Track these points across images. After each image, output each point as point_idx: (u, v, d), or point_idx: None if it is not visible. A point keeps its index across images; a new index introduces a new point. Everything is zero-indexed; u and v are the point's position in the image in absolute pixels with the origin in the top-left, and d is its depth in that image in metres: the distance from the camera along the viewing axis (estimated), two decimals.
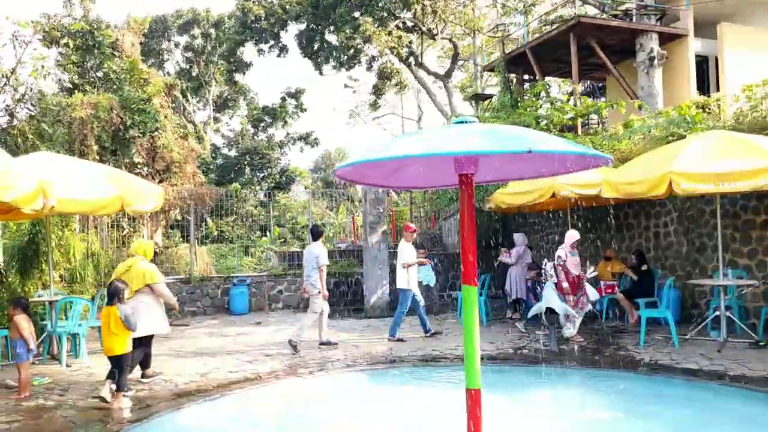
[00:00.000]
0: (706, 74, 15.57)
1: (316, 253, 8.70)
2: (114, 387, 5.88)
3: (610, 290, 10.39)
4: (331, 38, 21.08)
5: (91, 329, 8.93)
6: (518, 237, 11.03)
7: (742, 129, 9.15)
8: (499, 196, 10.60)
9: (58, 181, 6.45)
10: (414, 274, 9.35)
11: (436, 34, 21.63)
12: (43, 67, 10.34)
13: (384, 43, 16.69)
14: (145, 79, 14.35)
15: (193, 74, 35.40)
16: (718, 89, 14.97)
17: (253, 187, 34.12)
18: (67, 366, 7.72)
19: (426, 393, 6.58)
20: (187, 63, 36.25)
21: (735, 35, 14.73)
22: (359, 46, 17.46)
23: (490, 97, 27.75)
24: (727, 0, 14.58)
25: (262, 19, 20.07)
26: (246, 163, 36.73)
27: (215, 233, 24.81)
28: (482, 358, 7.76)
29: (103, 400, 5.77)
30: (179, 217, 16.21)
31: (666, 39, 14.10)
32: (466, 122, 3.76)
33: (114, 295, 5.84)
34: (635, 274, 9.83)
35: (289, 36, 23.72)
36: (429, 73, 23.47)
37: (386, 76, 17.68)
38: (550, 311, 8.15)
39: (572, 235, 8.60)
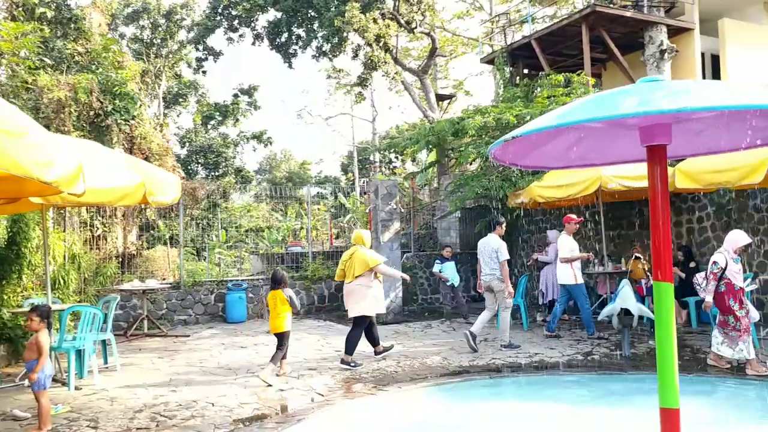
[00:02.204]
0: (702, 70, 15.52)
1: (495, 246, 7.96)
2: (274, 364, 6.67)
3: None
4: (304, 27, 19.96)
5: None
6: (553, 234, 10.37)
7: None
8: (535, 189, 9.91)
9: None
10: (578, 269, 8.68)
11: (415, 27, 20.87)
12: (16, 38, 8.80)
13: (372, 31, 15.77)
14: (119, 62, 12.85)
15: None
16: None
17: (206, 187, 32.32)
18: (77, 389, 6.40)
19: (532, 409, 5.73)
20: (134, 56, 33.99)
21: (736, 31, 14.73)
22: (345, 35, 16.45)
23: (450, 97, 27.33)
24: None
25: (237, 4, 18.71)
26: (200, 162, 34.88)
27: (167, 236, 23.18)
28: (546, 366, 7.10)
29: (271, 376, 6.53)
30: (154, 217, 14.74)
31: (673, 32, 13.90)
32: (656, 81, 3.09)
33: (279, 281, 6.89)
34: (682, 272, 9.36)
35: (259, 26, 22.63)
36: (404, 68, 22.68)
37: (373, 66, 16.76)
38: (625, 313, 7.47)
39: (737, 238, 6.42)
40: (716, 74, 15.05)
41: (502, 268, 7.84)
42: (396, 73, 17.75)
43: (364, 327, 7.44)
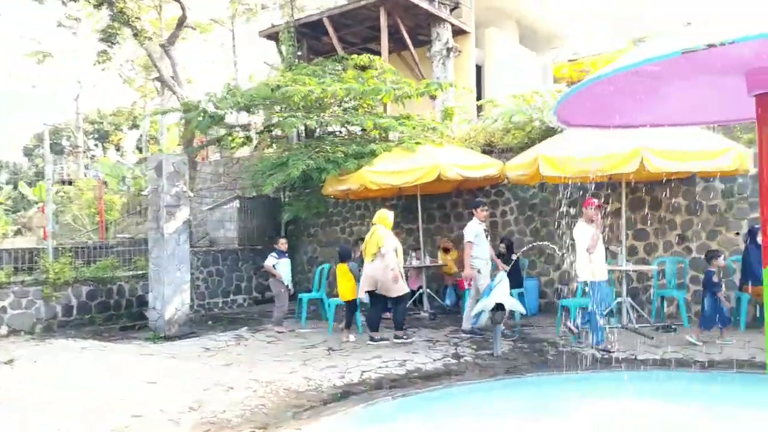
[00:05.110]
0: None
1: (467, 229, 7.78)
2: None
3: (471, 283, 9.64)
4: None
5: None
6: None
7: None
8: (366, 175, 8.78)
9: None
10: (598, 260, 6.87)
11: None
12: None
13: None
14: None
15: None
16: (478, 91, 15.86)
17: None
18: None
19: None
20: None
21: (498, 42, 15.91)
22: None
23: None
24: (491, 2, 15.63)
25: None
26: None
27: None
28: (431, 375, 6.07)
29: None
30: None
31: (454, 33, 14.24)
32: None
33: (346, 255, 8.04)
34: (505, 264, 9.29)
35: None
36: (145, 37, 19.44)
37: (125, 20, 13.45)
38: (498, 308, 6.82)
39: None
40: (479, 81, 16.04)
41: (465, 249, 7.68)
42: (153, 33, 14.75)
43: (407, 301, 7.82)
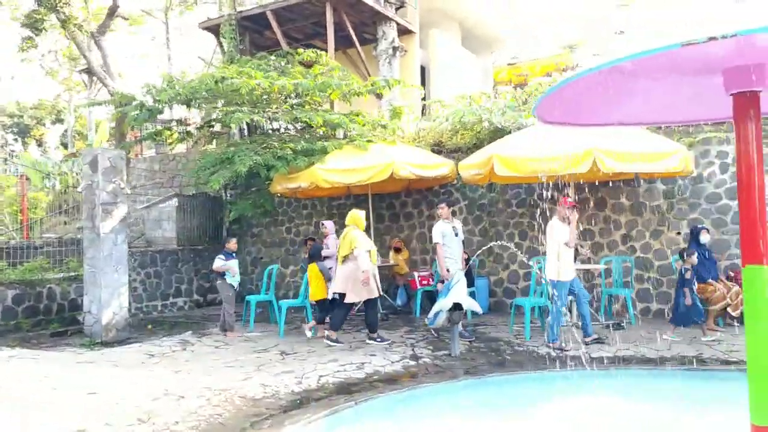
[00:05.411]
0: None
1: (433, 231, 7.54)
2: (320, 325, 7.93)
3: (426, 282, 9.58)
4: None
5: None
6: (330, 224, 9.12)
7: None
8: (318, 172, 8.54)
9: None
10: (565, 260, 6.79)
11: None
12: None
13: None
14: None
15: None
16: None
17: None
18: None
19: None
20: None
21: (442, 43, 15.95)
22: None
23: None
24: (434, 3, 15.66)
25: None
26: None
27: None
28: (391, 379, 5.93)
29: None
30: None
31: (400, 32, 14.13)
32: None
33: (315, 255, 8.02)
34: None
35: None
36: (74, 25, 18.36)
37: (52, 5, 12.51)
38: (455, 308, 6.74)
39: None
40: (423, 82, 16.02)
41: (437, 251, 7.41)
42: (84, 21, 13.88)
43: (377, 304, 7.78)
